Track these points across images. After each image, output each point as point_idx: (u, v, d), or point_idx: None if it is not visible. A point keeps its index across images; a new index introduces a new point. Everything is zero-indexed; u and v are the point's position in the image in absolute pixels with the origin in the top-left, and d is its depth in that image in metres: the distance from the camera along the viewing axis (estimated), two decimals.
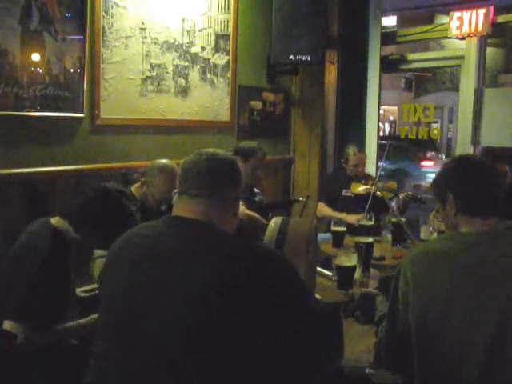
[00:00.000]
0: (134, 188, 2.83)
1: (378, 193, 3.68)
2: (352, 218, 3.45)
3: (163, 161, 2.87)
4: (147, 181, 2.82)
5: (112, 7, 3.12)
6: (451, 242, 1.44)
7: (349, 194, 3.85)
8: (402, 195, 3.66)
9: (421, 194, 3.75)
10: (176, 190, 1.40)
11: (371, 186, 3.70)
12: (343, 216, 3.59)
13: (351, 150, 3.98)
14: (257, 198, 3.40)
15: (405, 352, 1.41)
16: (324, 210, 3.94)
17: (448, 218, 1.51)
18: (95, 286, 2.43)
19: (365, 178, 3.95)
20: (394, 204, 3.72)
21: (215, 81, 3.81)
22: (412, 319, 1.38)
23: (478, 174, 1.48)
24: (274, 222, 1.76)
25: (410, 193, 3.66)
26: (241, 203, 2.82)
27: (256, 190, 3.43)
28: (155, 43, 3.39)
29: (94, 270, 2.38)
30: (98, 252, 2.31)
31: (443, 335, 1.33)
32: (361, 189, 3.77)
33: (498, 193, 1.47)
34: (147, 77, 3.37)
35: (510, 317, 1.29)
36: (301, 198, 3.97)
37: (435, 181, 1.57)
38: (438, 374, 1.36)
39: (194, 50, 3.64)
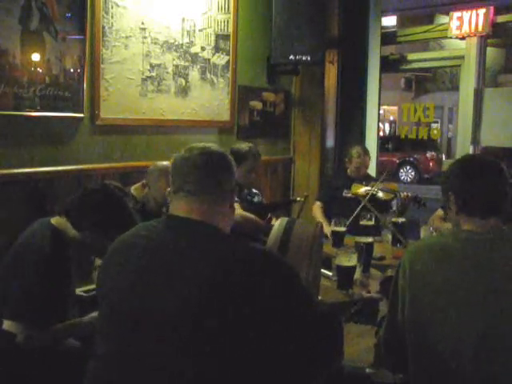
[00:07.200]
0: (134, 188, 2.81)
1: (380, 194, 3.67)
2: (327, 229, 3.33)
3: (164, 163, 2.83)
4: (148, 183, 2.80)
5: (112, 7, 3.12)
6: (450, 239, 1.47)
7: (349, 195, 3.82)
8: (402, 196, 3.64)
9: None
10: (169, 190, 1.38)
11: (372, 187, 3.69)
12: (324, 223, 3.49)
13: (355, 151, 3.92)
14: (256, 199, 3.38)
15: (403, 346, 1.43)
16: (315, 210, 3.92)
17: (452, 217, 1.55)
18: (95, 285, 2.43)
19: (366, 179, 3.92)
20: (394, 204, 3.72)
21: (215, 81, 3.81)
22: (407, 310, 1.42)
23: (480, 175, 1.50)
24: (279, 224, 1.74)
25: (409, 194, 3.63)
26: (238, 205, 2.82)
27: (255, 190, 3.42)
28: (155, 43, 3.39)
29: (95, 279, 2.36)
30: (99, 261, 2.29)
31: (435, 327, 1.36)
32: (361, 190, 3.75)
33: (501, 193, 1.47)
34: (147, 77, 3.37)
35: (502, 312, 1.31)
36: (299, 198, 3.97)
37: (441, 181, 1.60)
38: (430, 367, 1.38)
39: (193, 50, 3.64)
